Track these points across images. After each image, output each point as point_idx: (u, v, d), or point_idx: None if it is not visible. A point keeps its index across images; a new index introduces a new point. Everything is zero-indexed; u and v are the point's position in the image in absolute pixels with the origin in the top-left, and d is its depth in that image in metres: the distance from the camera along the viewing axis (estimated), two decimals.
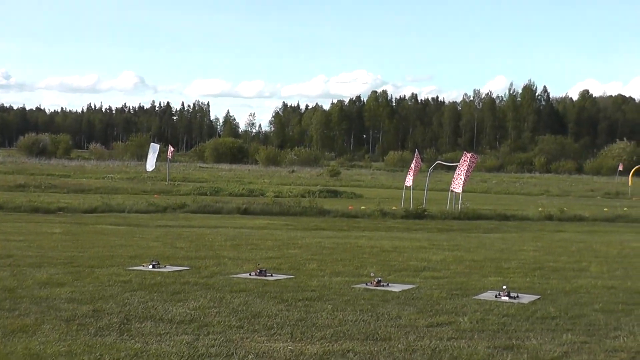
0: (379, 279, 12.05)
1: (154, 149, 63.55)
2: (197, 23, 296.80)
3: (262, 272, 12.71)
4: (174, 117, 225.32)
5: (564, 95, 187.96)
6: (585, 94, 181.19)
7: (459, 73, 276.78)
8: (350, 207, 32.70)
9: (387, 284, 11.97)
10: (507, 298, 10.94)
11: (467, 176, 33.88)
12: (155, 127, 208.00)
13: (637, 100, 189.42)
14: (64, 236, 19.12)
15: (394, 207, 32.92)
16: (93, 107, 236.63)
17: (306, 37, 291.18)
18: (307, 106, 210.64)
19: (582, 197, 55.55)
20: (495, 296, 11.13)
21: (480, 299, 10.92)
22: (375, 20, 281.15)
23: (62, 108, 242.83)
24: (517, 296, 11.12)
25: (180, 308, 9.64)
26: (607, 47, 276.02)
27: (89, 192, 40.31)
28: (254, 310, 9.59)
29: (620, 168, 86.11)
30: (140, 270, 13.05)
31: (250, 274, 12.71)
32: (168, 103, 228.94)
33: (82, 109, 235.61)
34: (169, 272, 12.87)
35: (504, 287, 11.44)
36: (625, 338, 8.57)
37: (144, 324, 8.66)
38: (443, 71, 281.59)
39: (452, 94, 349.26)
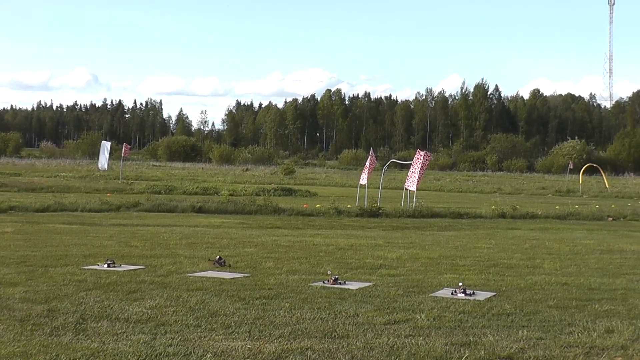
0: (336, 276, 12.08)
1: (105, 148, 62.97)
2: (151, 20, 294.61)
3: (220, 261, 12.73)
4: (127, 115, 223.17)
5: (515, 94, 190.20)
6: (536, 93, 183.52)
7: (413, 72, 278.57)
8: (305, 206, 32.71)
9: (344, 282, 12.00)
10: (463, 295, 11.03)
11: (421, 174, 34.05)
12: (107, 125, 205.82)
13: (586, 99, 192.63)
14: (16, 235, 18.85)
15: (348, 206, 32.99)
16: (44, 104, 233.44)
17: (261, 34, 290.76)
18: (260, 104, 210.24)
19: (534, 195, 56.24)
20: (452, 293, 11.22)
21: (436, 296, 11.00)
22: (330, 19, 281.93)
23: (11, 106, 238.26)
24: (473, 293, 11.22)
25: (137, 307, 9.56)
26: (558, 47, 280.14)
27: (41, 191, 39.80)
28: (211, 309, 9.55)
29: (571, 166, 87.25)
30: (95, 269, 12.91)
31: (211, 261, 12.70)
32: (120, 101, 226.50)
33: (33, 107, 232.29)
34: (124, 271, 12.75)
35: (460, 284, 11.54)
36: (579, 334, 8.69)
37: (100, 324, 8.56)
38: (397, 70, 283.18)
39: (405, 93, 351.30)
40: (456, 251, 17.85)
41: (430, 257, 16.20)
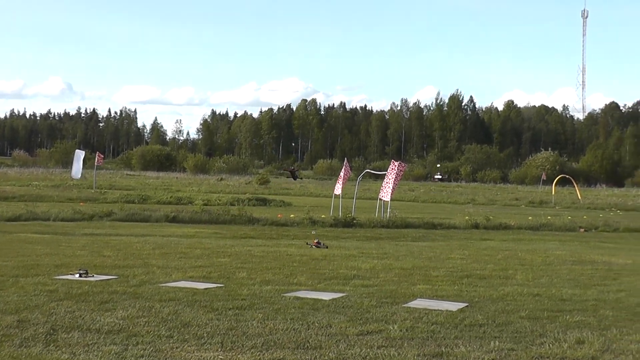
0: (317, 239, 12.03)
1: (79, 156, 62.58)
2: (127, 28, 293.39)
3: (319, 244, 12.60)
4: (101, 124, 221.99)
5: (489, 106, 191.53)
6: (510, 104, 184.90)
7: (388, 83, 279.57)
8: (279, 216, 32.68)
9: (326, 247, 11.91)
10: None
11: (395, 185, 34.16)
12: (81, 134, 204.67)
13: (559, 111, 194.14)
14: None
15: (323, 216, 33.03)
16: (17, 113, 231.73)
17: (238, 44, 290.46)
18: (236, 114, 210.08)
19: (507, 206, 56.58)
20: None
21: (409, 307, 11.02)
22: (307, 29, 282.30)
23: None
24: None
25: (108, 318, 9.49)
26: (532, 59, 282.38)
27: (13, 200, 39.47)
28: (184, 320, 9.50)
29: (544, 177, 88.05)
30: (67, 279, 12.81)
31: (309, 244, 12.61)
32: (94, 109, 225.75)
33: (5, 115, 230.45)
34: (96, 281, 12.66)
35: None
36: (550, 345, 8.73)
37: (71, 335, 8.49)
38: (373, 81, 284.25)
39: (380, 104, 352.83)
40: (429, 262, 17.89)
41: (403, 268, 16.22)
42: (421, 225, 31.49)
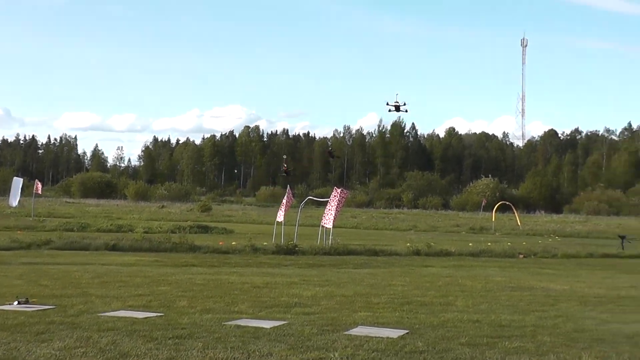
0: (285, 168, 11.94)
1: (17, 184, 61.55)
2: (68, 53, 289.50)
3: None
4: (40, 151, 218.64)
5: (431, 132, 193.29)
6: (452, 131, 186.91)
7: (332, 110, 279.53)
8: (221, 243, 32.52)
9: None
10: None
11: (337, 211, 34.29)
12: (19, 161, 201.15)
13: (500, 138, 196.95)
14: None
15: (265, 243, 32.95)
16: None
17: (180, 70, 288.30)
18: (178, 140, 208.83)
19: (449, 233, 57.13)
20: None
21: (350, 334, 11.04)
22: (250, 56, 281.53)
23: None
24: None
25: (45, 349, 9.32)
26: (473, 87, 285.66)
27: None
28: (122, 350, 9.38)
29: (484, 204, 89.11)
30: (3, 309, 12.56)
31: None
32: (33, 136, 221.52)
33: None
34: (33, 311, 12.44)
35: None
36: None
37: None
38: (316, 107, 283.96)
39: (324, 130, 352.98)
40: (371, 289, 17.96)
41: (345, 295, 16.26)
42: (363, 252, 31.60)
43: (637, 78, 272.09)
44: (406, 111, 34.15)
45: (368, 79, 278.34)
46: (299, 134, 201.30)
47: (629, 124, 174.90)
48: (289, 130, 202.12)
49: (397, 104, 34.10)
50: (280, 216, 38.66)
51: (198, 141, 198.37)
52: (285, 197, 39.29)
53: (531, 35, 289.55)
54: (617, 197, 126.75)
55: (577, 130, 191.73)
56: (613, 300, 17.45)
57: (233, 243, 32.77)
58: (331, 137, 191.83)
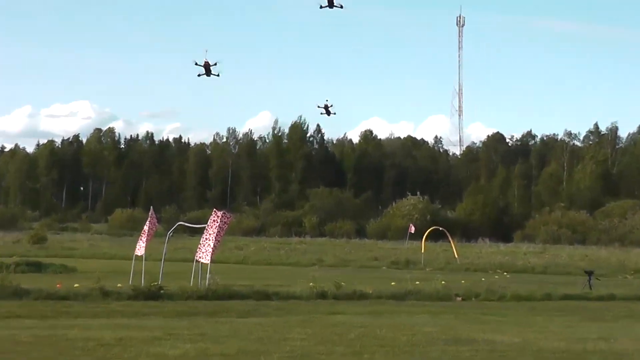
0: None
1: None
2: None
3: None
4: None
5: (342, 137, 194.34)
6: (368, 136, 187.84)
7: (211, 107, 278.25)
8: (58, 285, 31.98)
9: None
10: None
11: (217, 241, 34.09)
12: None
13: (430, 144, 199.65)
14: None
15: (119, 285, 32.59)
16: None
17: (8, 56, 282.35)
18: (3, 148, 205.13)
19: (364, 268, 57.45)
20: None
21: None
22: (102, 37, 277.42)
23: None
24: None
25: None
26: (395, 79, 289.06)
27: None
28: None
29: (412, 230, 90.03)
30: None
31: None
32: None
33: None
34: None
35: None
36: None
37: None
38: (190, 105, 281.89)
39: (200, 134, 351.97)
40: (260, 344, 17.86)
41: (225, 354, 16.14)
42: (251, 295, 31.48)
43: (606, 67, 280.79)
44: (334, 113, 44.22)
45: (258, 68, 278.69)
46: (167, 139, 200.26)
47: (596, 126, 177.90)
48: (154, 135, 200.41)
49: (327, 105, 43.46)
50: (140, 248, 38.22)
51: (30, 149, 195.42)
52: (148, 222, 38.89)
53: (469, 12, 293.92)
54: (582, 220, 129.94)
55: (529, 134, 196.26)
56: (578, 356, 17.80)
57: (75, 285, 32.27)
58: (210, 143, 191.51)
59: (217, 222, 34.16)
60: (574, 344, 19.78)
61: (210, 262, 33.97)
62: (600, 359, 17.43)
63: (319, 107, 42.47)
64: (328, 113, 42.69)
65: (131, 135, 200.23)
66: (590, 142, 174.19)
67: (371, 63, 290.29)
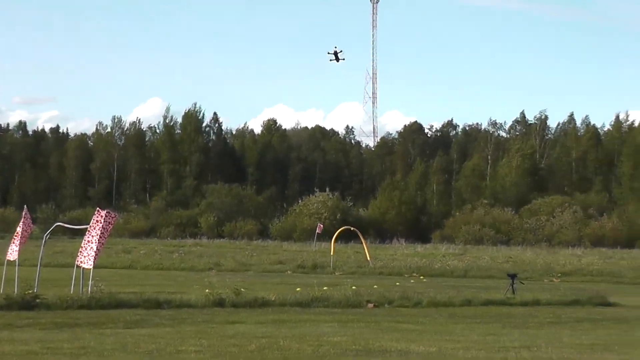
0: None
1: None
2: None
3: None
4: None
5: (242, 127, 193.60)
6: (272, 126, 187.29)
7: (93, 93, 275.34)
8: None
9: None
10: None
11: (101, 244, 33.89)
12: None
13: (341, 135, 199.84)
14: None
15: None
16: None
17: None
18: None
19: (267, 273, 57.58)
20: None
21: None
22: None
23: None
24: None
25: None
26: (302, 62, 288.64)
27: None
28: None
29: (319, 230, 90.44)
30: None
31: None
32: None
33: None
34: None
35: None
36: None
37: None
38: (69, 90, 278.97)
39: (82, 124, 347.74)
40: (150, 358, 17.92)
41: None
42: (140, 304, 31.40)
43: (534, 51, 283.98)
44: (344, 59, 44.82)
45: (147, 50, 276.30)
46: (43, 129, 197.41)
47: (522, 115, 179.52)
48: (28, 124, 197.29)
49: (336, 51, 43.53)
50: (12, 253, 37.79)
51: None
52: (21, 223, 38.48)
53: None
54: (507, 218, 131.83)
55: (450, 124, 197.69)
56: None
57: None
58: (93, 134, 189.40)
59: (101, 223, 33.94)
60: (494, 354, 20.15)
61: (93, 267, 33.76)
62: None
63: (328, 53, 42.68)
64: (337, 59, 42.23)
65: (1, 125, 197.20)
66: (517, 133, 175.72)
67: (275, 44, 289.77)
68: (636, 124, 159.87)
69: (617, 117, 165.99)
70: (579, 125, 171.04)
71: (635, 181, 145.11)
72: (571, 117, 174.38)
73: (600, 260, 76.51)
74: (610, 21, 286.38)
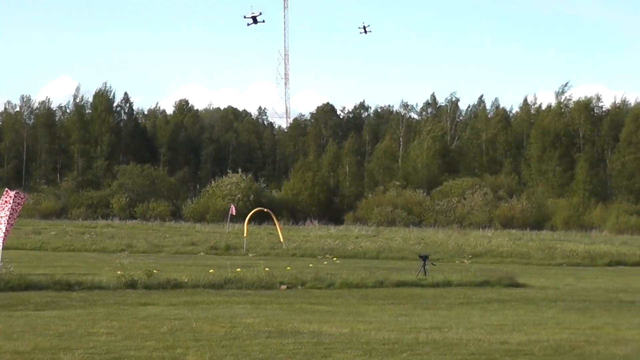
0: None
1: None
2: None
3: None
4: None
5: (154, 107, 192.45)
6: (184, 106, 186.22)
7: (0, 71, 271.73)
8: None
9: None
10: None
11: (10, 225, 33.58)
12: None
13: (254, 116, 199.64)
14: None
15: None
16: None
17: None
18: None
19: (180, 254, 57.46)
20: None
21: None
22: None
23: None
24: None
25: None
26: (213, 40, 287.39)
27: None
28: None
29: (233, 212, 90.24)
30: None
31: None
32: None
33: None
34: None
35: None
36: None
37: None
38: None
39: None
40: (60, 340, 17.74)
41: (19, 352, 15.98)
42: (50, 286, 31.18)
43: (445, 32, 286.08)
44: (263, 21, 42.61)
45: (56, 26, 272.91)
46: None
47: (433, 97, 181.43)
48: None
49: (254, 15, 41.25)
50: None
51: None
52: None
53: None
54: (419, 200, 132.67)
55: (362, 106, 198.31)
56: (409, 347, 18.27)
57: None
58: (1, 113, 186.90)
59: (10, 204, 33.60)
60: (405, 334, 20.29)
61: (3, 248, 33.44)
62: (432, 350, 17.92)
63: (245, 17, 40.46)
64: (256, 22, 40.48)
65: None
66: (428, 115, 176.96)
67: (187, 22, 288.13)
68: (544, 107, 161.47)
69: (526, 100, 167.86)
70: (489, 108, 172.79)
71: (543, 163, 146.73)
72: (481, 100, 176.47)
73: (510, 242, 77.49)
74: (520, 5, 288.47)
